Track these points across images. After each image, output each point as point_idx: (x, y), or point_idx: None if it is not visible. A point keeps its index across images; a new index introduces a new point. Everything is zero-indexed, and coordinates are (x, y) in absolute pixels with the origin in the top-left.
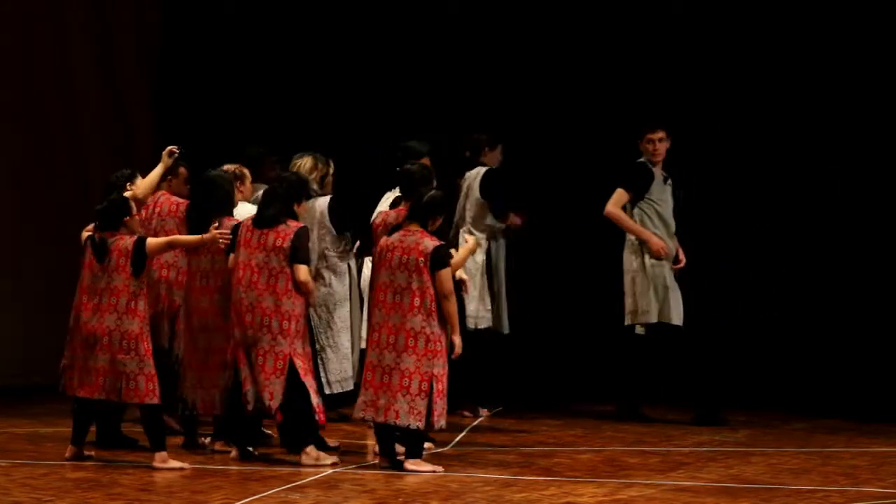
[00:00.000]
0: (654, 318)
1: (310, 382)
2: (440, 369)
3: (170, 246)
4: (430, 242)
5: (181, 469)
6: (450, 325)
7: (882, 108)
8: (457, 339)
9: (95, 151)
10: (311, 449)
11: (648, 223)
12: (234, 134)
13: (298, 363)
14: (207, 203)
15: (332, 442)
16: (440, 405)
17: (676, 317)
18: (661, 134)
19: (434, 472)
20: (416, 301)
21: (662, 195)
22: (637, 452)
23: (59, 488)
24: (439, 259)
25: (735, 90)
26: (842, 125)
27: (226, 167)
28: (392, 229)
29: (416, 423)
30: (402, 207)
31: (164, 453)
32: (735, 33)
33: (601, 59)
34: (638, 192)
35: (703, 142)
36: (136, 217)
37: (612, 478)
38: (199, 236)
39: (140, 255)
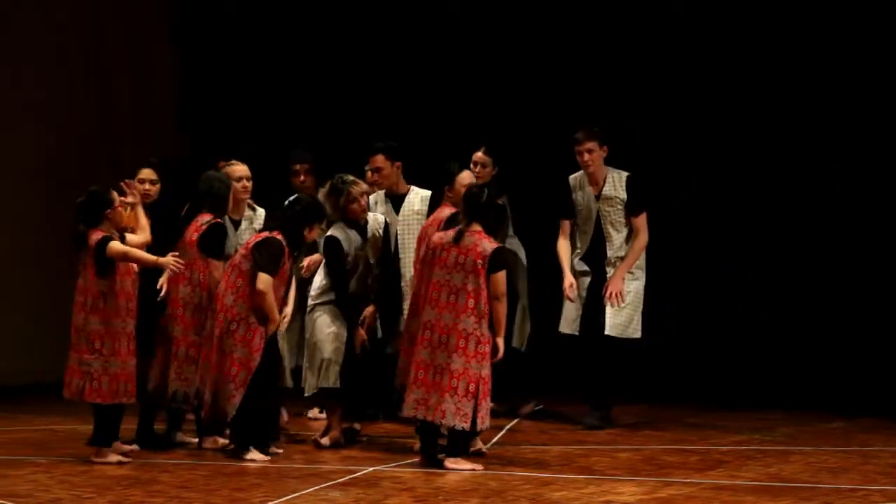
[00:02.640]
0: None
1: None
2: (487, 371)
3: (125, 256)
4: (489, 245)
5: (119, 463)
6: (496, 328)
7: (882, 107)
8: (500, 343)
9: (128, 153)
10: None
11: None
12: (266, 135)
13: None
14: (199, 203)
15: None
16: (485, 407)
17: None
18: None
19: (474, 470)
20: (471, 302)
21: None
22: (676, 451)
23: (99, 485)
24: (497, 261)
25: (735, 90)
26: (841, 125)
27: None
28: (446, 224)
29: (462, 424)
30: (446, 204)
31: (103, 448)
32: (735, 33)
33: (600, 59)
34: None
35: (703, 142)
36: (120, 210)
37: (651, 476)
38: (155, 259)
39: (101, 255)
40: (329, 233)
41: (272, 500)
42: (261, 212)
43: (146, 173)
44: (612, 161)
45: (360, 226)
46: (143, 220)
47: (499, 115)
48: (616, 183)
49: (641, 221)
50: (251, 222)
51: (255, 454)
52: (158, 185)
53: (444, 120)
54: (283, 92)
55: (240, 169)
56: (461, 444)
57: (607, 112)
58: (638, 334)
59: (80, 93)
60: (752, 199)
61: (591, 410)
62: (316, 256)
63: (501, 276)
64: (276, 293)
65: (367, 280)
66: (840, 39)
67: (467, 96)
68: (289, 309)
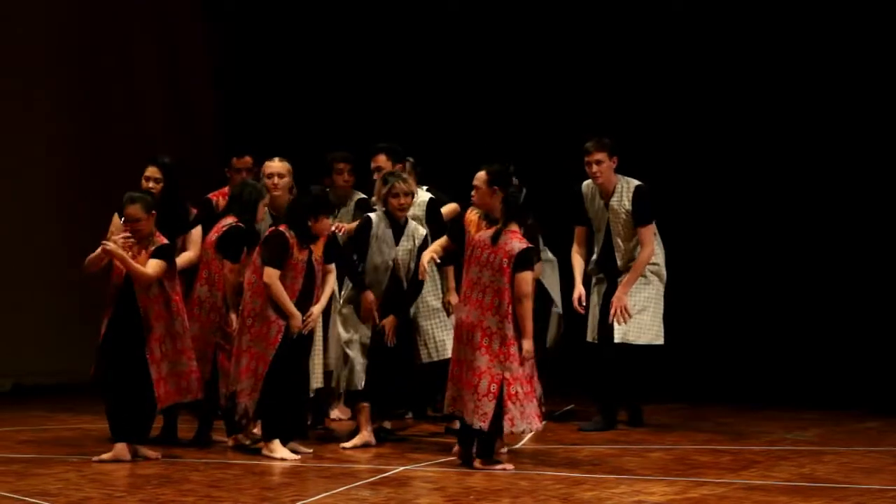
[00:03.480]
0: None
1: None
2: (519, 372)
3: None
4: (519, 244)
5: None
6: (521, 329)
7: (882, 108)
8: (526, 344)
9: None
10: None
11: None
12: (299, 136)
13: None
14: (228, 206)
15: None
16: (513, 410)
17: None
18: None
19: (504, 470)
20: (495, 301)
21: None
22: (708, 451)
23: (131, 484)
24: (522, 261)
25: (734, 91)
26: (842, 125)
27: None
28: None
29: (480, 423)
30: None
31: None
32: (733, 34)
33: (612, 68)
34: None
35: (700, 142)
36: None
37: (682, 476)
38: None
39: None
40: (368, 214)
41: (302, 500)
42: None
43: (151, 171)
44: (623, 168)
45: (398, 224)
46: (196, 234)
47: (519, 124)
48: (624, 193)
49: (646, 233)
50: None
51: (281, 450)
52: (162, 184)
53: (466, 124)
54: (317, 94)
55: (272, 166)
56: (489, 444)
57: (618, 119)
58: (659, 340)
59: (112, 94)
60: (778, 199)
61: (597, 413)
62: (350, 225)
63: (526, 277)
64: (291, 287)
65: (391, 290)
66: (840, 39)
67: (487, 100)
68: (317, 308)
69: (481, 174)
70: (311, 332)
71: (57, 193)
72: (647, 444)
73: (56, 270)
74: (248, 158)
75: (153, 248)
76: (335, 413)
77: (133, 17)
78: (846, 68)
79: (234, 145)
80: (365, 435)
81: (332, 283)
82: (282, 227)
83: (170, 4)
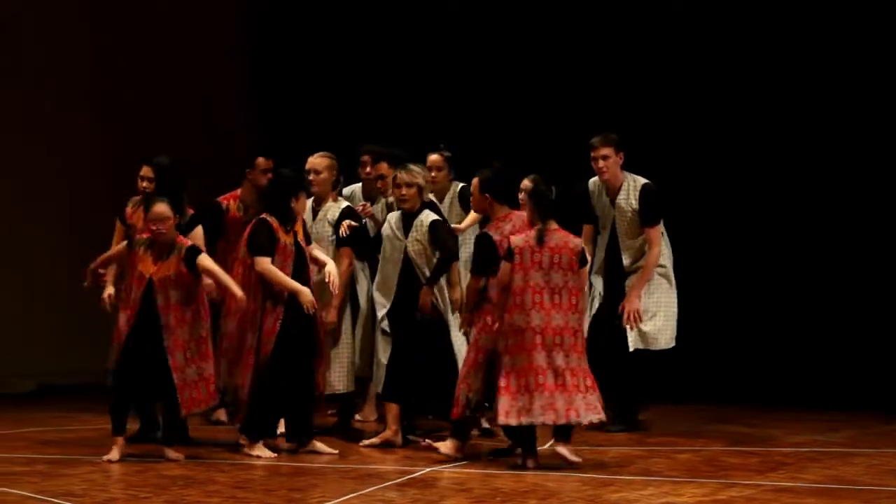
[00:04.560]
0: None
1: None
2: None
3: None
4: (576, 239)
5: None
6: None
7: (882, 108)
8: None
9: (193, 154)
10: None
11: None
12: (337, 133)
13: None
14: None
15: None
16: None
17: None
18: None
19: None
20: (573, 299)
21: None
22: (737, 452)
23: (156, 485)
24: (584, 256)
25: (739, 92)
26: (843, 125)
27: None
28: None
29: (595, 416)
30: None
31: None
32: (734, 33)
33: (617, 67)
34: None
35: (700, 141)
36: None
37: (711, 478)
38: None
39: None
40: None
41: (329, 501)
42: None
43: (145, 171)
44: (628, 170)
45: (409, 216)
46: (196, 235)
47: (523, 123)
48: (630, 191)
49: (654, 233)
50: (325, 213)
51: (260, 450)
52: (154, 184)
53: (467, 123)
54: (348, 92)
55: (310, 161)
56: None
57: (621, 119)
58: (672, 344)
59: (144, 96)
60: (800, 197)
61: (617, 415)
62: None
63: (585, 271)
64: (284, 271)
65: (406, 283)
66: (839, 39)
67: (490, 99)
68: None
69: (474, 181)
70: (314, 332)
71: (82, 194)
72: (675, 446)
73: (79, 272)
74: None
75: (184, 250)
76: (361, 415)
77: (166, 18)
78: (847, 69)
79: (262, 147)
80: (389, 434)
81: (344, 269)
82: (263, 216)
83: (203, 4)
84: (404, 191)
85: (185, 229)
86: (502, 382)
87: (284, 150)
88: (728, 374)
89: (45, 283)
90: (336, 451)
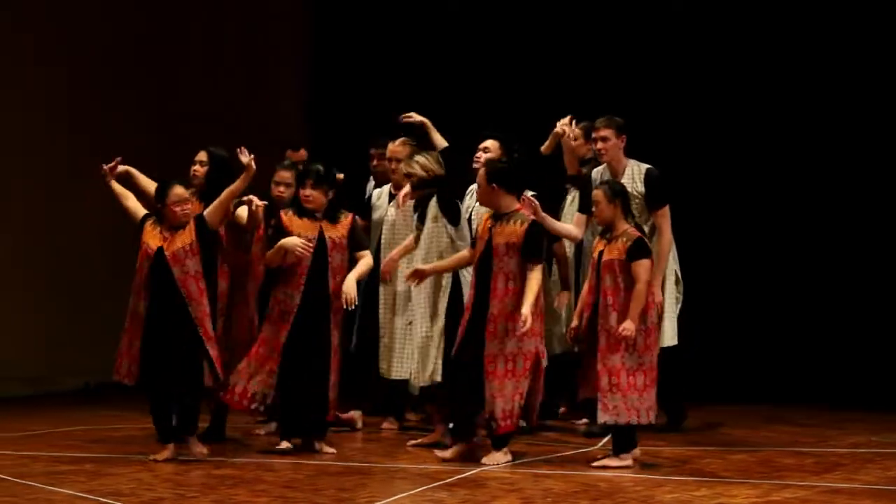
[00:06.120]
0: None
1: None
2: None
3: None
4: (634, 233)
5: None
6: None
7: (883, 108)
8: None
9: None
10: None
11: None
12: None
13: None
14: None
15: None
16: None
17: None
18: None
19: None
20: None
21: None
22: (791, 453)
23: (204, 484)
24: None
25: (739, 92)
26: (843, 125)
27: None
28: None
29: (652, 417)
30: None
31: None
32: (734, 32)
33: (599, 59)
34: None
35: (700, 139)
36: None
37: (765, 479)
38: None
39: None
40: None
41: (378, 501)
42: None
43: (201, 155)
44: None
45: (419, 206)
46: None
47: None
48: (635, 176)
49: (662, 218)
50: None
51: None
52: (206, 168)
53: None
54: (406, 84)
55: (391, 149)
56: (628, 438)
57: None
58: (674, 342)
59: (198, 91)
60: (822, 196)
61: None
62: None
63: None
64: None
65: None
66: (839, 39)
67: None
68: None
69: (481, 172)
70: (318, 332)
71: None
72: (729, 446)
73: (128, 270)
74: (302, 152)
75: (195, 218)
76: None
77: (223, 12)
78: (846, 69)
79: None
80: (436, 436)
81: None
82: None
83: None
84: (394, 165)
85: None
86: (635, 381)
87: (332, 146)
88: (783, 374)
89: (94, 281)
90: (333, 451)
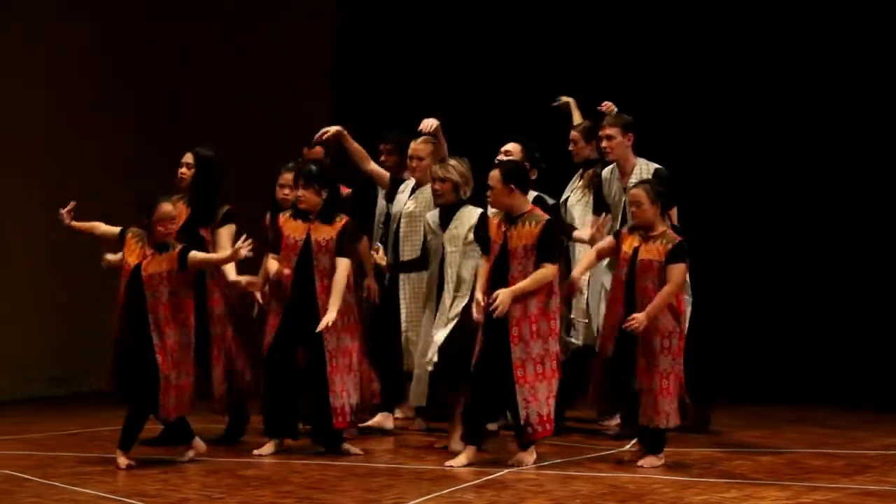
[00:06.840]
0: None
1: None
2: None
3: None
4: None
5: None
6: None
7: (883, 108)
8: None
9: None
10: None
11: None
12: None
13: None
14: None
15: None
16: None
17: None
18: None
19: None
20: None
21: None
22: (821, 455)
23: (230, 485)
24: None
25: (735, 87)
26: (844, 124)
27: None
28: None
29: (674, 421)
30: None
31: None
32: (734, 31)
33: (599, 58)
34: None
35: (701, 137)
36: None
37: (794, 481)
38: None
39: None
40: None
41: (404, 502)
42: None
43: (187, 157)
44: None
45: (446, 209)
46: (224, 236)
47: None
48: (643, 175)
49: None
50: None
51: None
52: (193, 171)
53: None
54: (434, 82)
55: (413, 147)
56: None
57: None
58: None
59: (224, 92)
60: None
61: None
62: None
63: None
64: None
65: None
66: (839, 39)
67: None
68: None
69: (494, 173)
70: (306, 336)
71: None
72: (758, 448)
73: None
74: (318, 149)
75: (179, 249)
76: (400, 412)
77: (250, 14)
78: (846, 69)
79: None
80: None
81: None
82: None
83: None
84: (437, 185)
85: (217, 226)
86: (666, 384)
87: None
88: (804, 375)
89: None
90: (360, 452)
